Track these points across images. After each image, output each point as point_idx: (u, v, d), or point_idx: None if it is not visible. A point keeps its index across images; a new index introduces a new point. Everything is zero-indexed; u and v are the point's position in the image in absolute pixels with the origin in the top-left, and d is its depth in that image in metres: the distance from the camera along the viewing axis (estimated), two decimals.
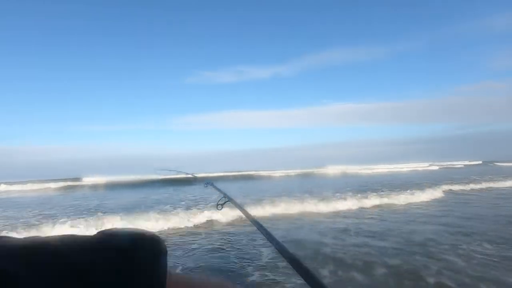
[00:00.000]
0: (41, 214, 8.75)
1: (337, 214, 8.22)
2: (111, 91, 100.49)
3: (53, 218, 7.87)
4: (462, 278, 3.68)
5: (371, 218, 7.59)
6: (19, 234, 5.90)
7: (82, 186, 20.69)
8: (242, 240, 5.72)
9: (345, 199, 9.54)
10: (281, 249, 0.96)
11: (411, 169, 36.55)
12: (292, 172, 30.84)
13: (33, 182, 22.71)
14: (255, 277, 4.01)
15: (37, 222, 7.20)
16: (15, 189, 20.82)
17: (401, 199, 9.88)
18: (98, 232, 0.36)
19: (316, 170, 31.49)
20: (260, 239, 5.57)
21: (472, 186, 13.64)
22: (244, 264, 4.48)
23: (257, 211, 7.91)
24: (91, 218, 7.30)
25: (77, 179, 22.92)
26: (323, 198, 9.48)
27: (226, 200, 2.17)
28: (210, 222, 7.10)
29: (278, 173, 29.59)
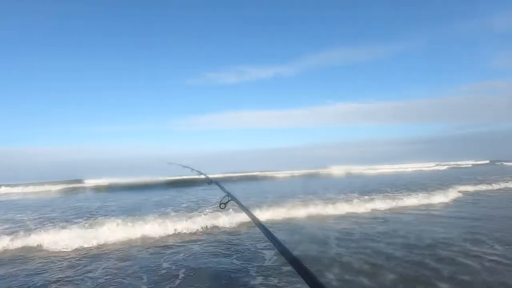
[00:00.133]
0: (41, 217, 8.72)
1: (352, 217, 7.96)
2: (112, 91, 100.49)
3: (52, 221, 7.85)
4: None
5: (386, 221, 7.35)
6: (15, 239, 5.83)
7: (84, 188, 20.72)
8: (245, 243, 5.62)
9: (361, 201, 9.33)
10: (282, 250, 0.97)
11: (417, 169, 36.24)
12: (295, 172, 30.68)
13: (34, 184, 22.75)
14: (258, 281, 3.91)
15: (33, 227, 7.16)
16: (16, 192, 20.88)
17: (420, 200, 9.56)
18: None
19: (320, 171, 31.29)
20: (263, 242, 5.49)
21: (492, 186, 13.16)
22: (247, 267, 4.38)
23: (264, 215, 7.74)
24: (90, 221, 7.25)
25: (78, 181, 22.96)
26: (333, 200, 9.28)
27: (229, 199, 2.11)
28: (212, 225, 7.00)
29: (281, 174, 29.46)
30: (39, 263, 4.96)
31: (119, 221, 6.82)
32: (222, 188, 2.34)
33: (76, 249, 5.59)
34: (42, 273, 4.49)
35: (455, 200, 10.12)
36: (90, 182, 22.14)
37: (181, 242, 5.89)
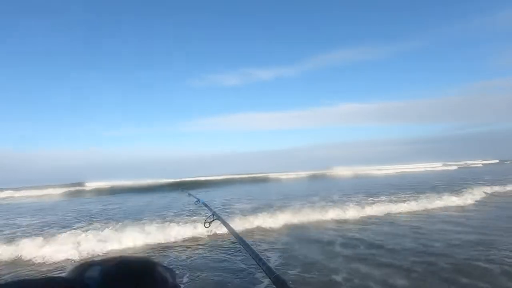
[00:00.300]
0: (42, 222, 8.77)
1: (370, 219, 7.73)
2: (117, 95, 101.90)
3: (51, 226, 7.89)
4: None
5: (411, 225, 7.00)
6: (10, 245, 5.80)
7: (87, 191, 20.91)
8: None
9: (381, 203, 9.07)
10: (266, 268, 0.97)
11: (425, 169, 35.81)
12: (301, 173, 30.41)
13: (38, 187, 23.08)
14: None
15: (29, 232, 7.24)
16: (18, 195, 21.16)
17: (439, 202, 9.14)
18: (76, 267, 0.35)
19: (325, 172, 31.14)
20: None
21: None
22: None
23: (274, 220, 7.38)
24: (88, 227, 7.31)
25: (80, 183, 23.16)
26: (350, 203, 9.04)
27: (214, 218, 2.18)
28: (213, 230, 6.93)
29: (285, 175, 29.29)
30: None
31: (119, 226, 6.85)
32: (209, 208, 2.40)
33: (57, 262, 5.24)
34: None
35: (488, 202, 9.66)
36: (91, 185, 22.38)
37: (179, 250, 5.88)
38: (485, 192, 10.99)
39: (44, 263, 5.19)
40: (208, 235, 6.48)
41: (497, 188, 11.99)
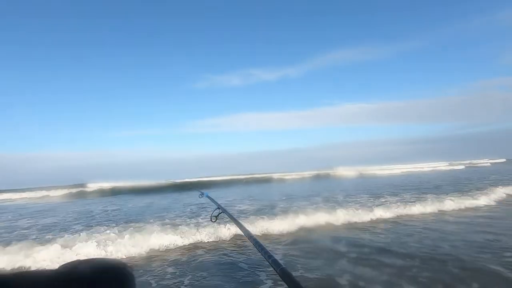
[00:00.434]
0: (38, 225, 8.74)
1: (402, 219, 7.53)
2: (119, 96, 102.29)
3: (48, 229, 7.86)
4: None
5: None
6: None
7: (89, 192, 20.97)
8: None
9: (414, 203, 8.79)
10: (273, 262, 0.97)
11: (430, 169, 35.54)
12: (304, 174, 30.21)
13: (41, 189, 23.25)
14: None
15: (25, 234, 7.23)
16: (18, 197, 21.31)
17: (453, 203, 8.76)
18: (60, 266, 0.37)
19: (328, 172, 30.99)
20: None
21: None
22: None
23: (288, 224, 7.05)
24: (86, 231, 7.27)
25: (82, 184, 23.25)
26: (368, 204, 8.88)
27: (220, 212, 2.16)
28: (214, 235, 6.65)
29: (288, 176, 29.13)
30: None
31: (117, 229, 6.81)
32: (213, 201, 2.37)
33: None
34: None
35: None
36: (93, 186, 22.46)
37: (179, 255, 5.78)
38: (506, 194, 10.45)
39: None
40: (209, 238, 6.36)
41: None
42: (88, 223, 8.51)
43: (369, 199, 10.19)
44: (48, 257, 5.24)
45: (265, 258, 1.04)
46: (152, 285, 4.20)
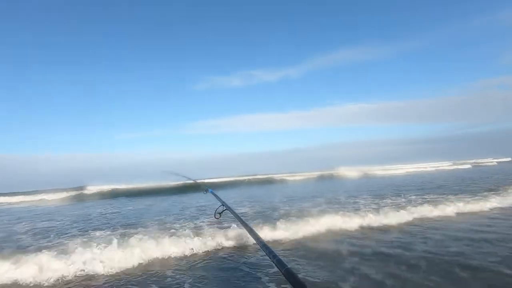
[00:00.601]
0: (35, 229, 8.60)
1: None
2: (119, 98, 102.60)
3: (43, 234, 7.76)
4: None
5: None
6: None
7: (89, 195, 20.89)
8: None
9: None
10: (277, 262, 0.97)
11: (434, 168, 35.41)
12: (305, 174, 29.95)
13: (40, 192, 23.18)
14: None
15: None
16: (17, 200, 21.22)
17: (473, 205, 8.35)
18: None
19: (330, 172, 30.81)
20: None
21: None
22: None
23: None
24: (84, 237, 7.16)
25: (82, 187, 23.19)
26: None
27: (224, 209, 2.10)
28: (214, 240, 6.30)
29: (289, 176, 28.86)
30: None
31: (115, 235, 6.73)
32: (218, 198, 2.33)
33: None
34: None
35: None
36: (92, 189, 22.40)
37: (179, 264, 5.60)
38: None
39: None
40: (208, 241, 6.04)
41: None
42: (85, 227, 8.38)
43: (378, 201, 10.03)
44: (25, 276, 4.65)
45: (270, 258, 1.03)
46: None
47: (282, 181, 26.71)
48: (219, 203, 2.17)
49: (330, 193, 13.52)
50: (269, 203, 11.13)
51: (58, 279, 4.60)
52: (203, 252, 5.66)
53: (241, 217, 1.67)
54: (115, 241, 5.72)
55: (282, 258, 0.99)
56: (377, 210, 7.80)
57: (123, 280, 4.53)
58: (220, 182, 24.67)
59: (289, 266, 0.89)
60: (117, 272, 4.84)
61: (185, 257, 5.49)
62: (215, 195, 2.57)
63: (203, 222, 7.70)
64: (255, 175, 29.00)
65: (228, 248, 5.82)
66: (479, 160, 47.64)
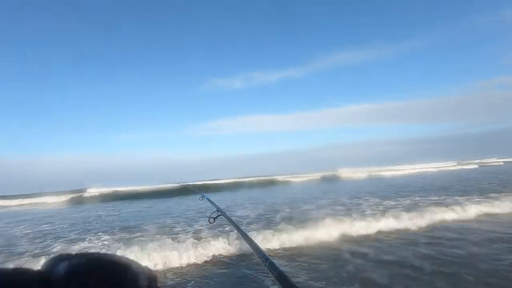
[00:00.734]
0: (33, 233, 8.56)
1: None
2: (120, 100, 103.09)
3: (41, 238, 7.72)
4: None
5: None
6: None
7: (89, 198, 20.92)
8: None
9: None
10: (270, 265, 0.98)
11: (439, 169, 35.03)
12: (310, 176, 29.74)
13: (40, 195, 23.23)
14: None
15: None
16: (17, 203, 21.27)
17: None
18: (49, 260, 0.34)
19: (332, 173, 30.67)
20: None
21: None
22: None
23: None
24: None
25: (82, 190, 23.23)
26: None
27: (218, 214, 2.08)
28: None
29: (291, 178, 28.72)
30: None
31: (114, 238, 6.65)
32: (212, 203, 2.32)
33: None
34: None
35: None
36: (93, 191, 22.43)
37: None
38: None
39: None
40: (208, 247, 5.92)
41: None
42: (83, 231, 8.32)
43: (385, 204, 9.88)
44: None
45: (262, 261, 1.03)
46: None
47: (284, 183, 26.63)
48: (215, 208, 2.15)
49: (331, 194, 13.42)
50: (271, 205, 11.04)
51: None
52: (203, 255, 5.58)
53: (234, 222, 1.66)
54: (115, 245, 5.66)
55: (274, 261, 0.98)
56: (383, 213, 7.51)
57: None
58: (221, 183, 24.63)
59: (281, 269, 0.89)
60: None
61: (186, 259, 5.42)
62: (210, 201, 2.57)
63: (202, 226, 7.60)
64: (257, 176, 28.94)
65: (229, 251, 5.74)
66: (484, 160, 47.27)
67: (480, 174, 22.10)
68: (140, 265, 0.35)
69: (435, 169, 34.13)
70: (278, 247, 5.87)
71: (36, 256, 5.53)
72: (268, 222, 7.54)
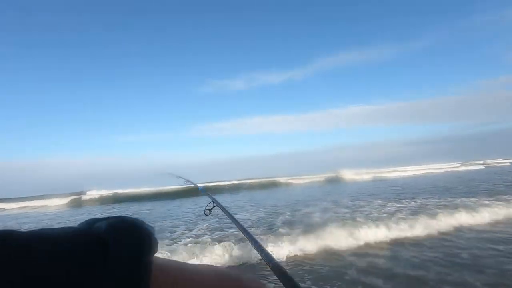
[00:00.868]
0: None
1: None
2: (123, 102, 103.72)
3: None
4: None
5: None
6: None
7: (90, 201, 20.90)
8: None
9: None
10: (265, 256, 0.98)
11: (443, 170, 34.88)
12: (312, 177, 29.55)
13: (40, 198, 23.33)
14: None
15: None
16: (17, 207, 21.29)
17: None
18: (85, 221, 0.36)
19: (338, 175, 30.44)
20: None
21: None
22: None
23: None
24: None
25: (83, 192, 23.21)
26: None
27: (214, 205, 2.05)
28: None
29: (296, 180, 28.58)
30: None
31: None
32: (208, 195, 2.28)
33: None
34: None
35: None
36: (93, 194, 22.42)
37: None
38: None
39: None
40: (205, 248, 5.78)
41: None
42: None
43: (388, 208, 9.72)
44: None
45: (258, 252, 1.05)
46: None
47: (285, 184, 26.53)
48: (210, 199, 2.12)
49: (334, 196, 13.31)
50: (272, 207, 10.95)
51: None
52: (204, 258, 5.48)
53: (230, 213, 1.74)
54: None
55: (270, 253, 0.98)
56: (389, 217, 7.32)
57: None
58: (222, 185, 24.57)
59: (276, 261, 0.89)
60: None
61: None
62: (205, 192, 2.52)
63: (202, 229, 7.50)
64: (259, 178, 28.84)
65: (230, 258, 5.62)
66: (489, 161, 46.89)
67: (486, 176, 21.87)
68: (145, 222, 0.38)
69: (439, 170, 33.92)
70: (280, 252, 5.62)
71: None
72: (270, 226, 7.46)
